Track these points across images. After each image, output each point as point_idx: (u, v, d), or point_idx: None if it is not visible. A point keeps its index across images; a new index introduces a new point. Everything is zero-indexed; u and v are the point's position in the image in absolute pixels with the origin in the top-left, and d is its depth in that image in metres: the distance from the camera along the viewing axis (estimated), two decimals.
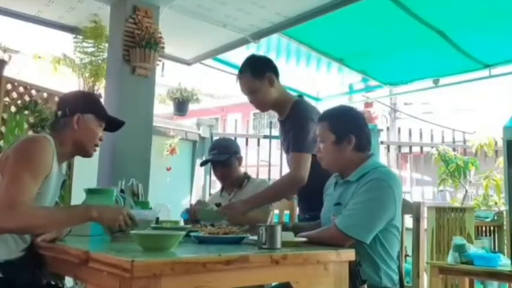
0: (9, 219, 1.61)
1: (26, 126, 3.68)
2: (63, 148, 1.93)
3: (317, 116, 2.30)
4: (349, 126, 2.08)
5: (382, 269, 1.97)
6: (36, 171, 1.76)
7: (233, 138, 4.95)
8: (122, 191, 2.36)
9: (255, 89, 2.47)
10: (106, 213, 1.76)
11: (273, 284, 2.17)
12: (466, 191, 5.07)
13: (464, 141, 6.00)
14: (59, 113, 1.99)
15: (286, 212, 3.09)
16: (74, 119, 1.97)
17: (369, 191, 1.94)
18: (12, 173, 1.71)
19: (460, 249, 3.08)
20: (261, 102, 2.51)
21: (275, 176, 5.88)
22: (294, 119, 2.45)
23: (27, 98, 3.77)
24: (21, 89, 3.77)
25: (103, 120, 2.08)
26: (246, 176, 2.95)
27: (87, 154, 2.06)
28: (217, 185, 3.27)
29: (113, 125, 2.16)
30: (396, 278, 2.03)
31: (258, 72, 2.46)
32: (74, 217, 1.76)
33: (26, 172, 1.72)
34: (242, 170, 3.03)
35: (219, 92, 16.42)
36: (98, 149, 2.10)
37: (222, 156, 2.84)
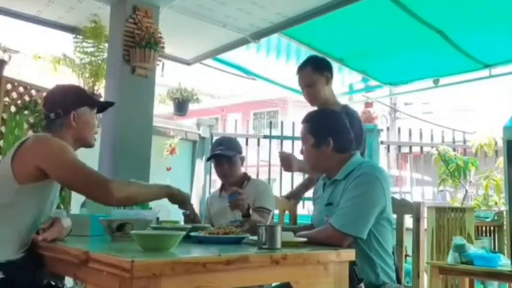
0: (115, 192, 1.77)
1: (25, 126, 3.69)
2: None
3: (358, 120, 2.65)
4: (327, 128, 2.13)
5: (378, 265, 1.99)
6: (76, 155, 1.87)
7: None
8: None
9: (312, 82, 2.74)
10: (181, 193, 2.08)
11: (273, 284, 2.17)
12: (466, 191, 5.07)
13: (464, 141, 6.00)
14: (52, 115, 1.99)
15: (287, 212, 3.10)
16: (71, 117, 1.98)
17: (358, 186, 1.97)
18: (73, 165, 1.80)
19: (460, 249, 3.08)
20: (314, 96, 2.76)
21: (275, 176, 5.88)
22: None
23: (27, 98, 3.77)
24: (21, 89, 3.78)
25: (95, 107, 2.12)
26: (246, 177, 2.92)
27: (89, 145, 2.10)
28: (217, 185, 3.25)
29: (103, 106, 2.25)
30: (393, 274, 2.04)
31: (318, 69, 2.74)
32: (159, 191, 2.01)
33: (76, 158, 1.82)
34: (242, 170, 3.01)
35: (219, 92, 16.44)
36: (97, 137, 2.17)
37: (230, 152, 2.80)
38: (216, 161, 2.86)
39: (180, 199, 2.07)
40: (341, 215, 1.93)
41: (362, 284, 1.85)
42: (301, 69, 2.79)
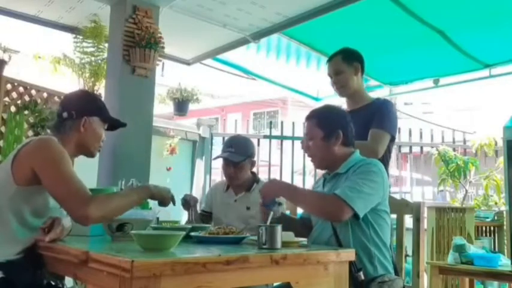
0: (91, 214, 1.67)
1: (25, 126, 3.69)
2: (66, 150, 1.93)
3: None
4: (336, 122, 2.16)
5: (376, 256, 2.00)
6: (71, 166, 1.82)
7: None
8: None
9: (340, 70, 2.75)
10: (160, 191, 1.95)
11: (274, 284, 2.17)
12: (466, 191, 5.07)
13: (464, 141, 5.99)
14: (65, 114, 1.98)
15: (287, 211, 3.09)
16: (81, 122, 1.98)
17: (364, 172, 2.01)
18: (60, 175, 1.75)
19: (460, 249, 3.08)
20: (341, 84, 2.76)
21: (275, 176, 5.88)
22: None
23: (27, 98, 3.77)
24: (21, 89, 3.78)
25: (106, 122, 2.11)
26: (255, 179, 2.80)
27: (91, 155, 2.09)
28: None
29: (113, 125, 2.19)
30: (391, 267, 2.04)
31: (347, 58, 2.76)
32: (139, 197, 1.90)
33: (67, 169, 1.77)
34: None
35: (219, 92, 16.44)
36: (100, 149, 2.13)
37: (238, 157, 2.69)
38: (224, 161, 2.78)
39: (159, 198, 1.98)
40: (347, 188, 1.95)
41: (361, 273, 1.86)
42: (331, 57, 2.83)
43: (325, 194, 2.06)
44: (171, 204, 2.03)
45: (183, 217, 2.90)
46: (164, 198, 1.97)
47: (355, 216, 1.92)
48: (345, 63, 2.75)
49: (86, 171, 3.55)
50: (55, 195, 1.76)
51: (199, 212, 2.82)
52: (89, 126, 2.00)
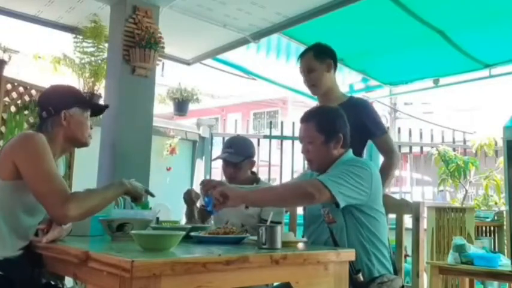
0: (70, 212, 1.69)
1: (25, 126, 3.68)
2: (54, 146, 1.94)
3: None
4: (337, 125, 2.13)
5: (373, 254, 2.00)
6: (52, 163, 1.82)
7: None
8: None
9: (313, 68, 2.69)
10: (135, 188, 2.00)
11: (274, 284, 2.17)
12: (466, 191, 5.07)
13: (464, 141, 6.00)
14: (44, 113, 2.00)
15: (287, 213, 3.08)
16: (61, 116, 1.98)
17: (348, 165, 2.02)
18: (41, 172, 1.76)
19: (460, 249, 3.08)
20: (315, 82, 2.70)
21: (275, 175, 5.89)
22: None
23: (27, 98, 3.77)
24: (21, 89, 3.77)
25: (87, 109, 2.10)
26: (255, 179, 2.79)
27: (84, 145, 2.09)
28: None
29: (96, 109, 2.21)
30: (389, 265, 2.04)
31: (319, 55, 2.69)
32: (115, 193, 1.95)
33: (48, 166, 1.78)
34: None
35: (219, 92, 16.45)
36: (96, 137, 2.14)
37: (236, 158, 2.68)
38: (223, 162, 2.78)
39: (133, 194, 2.01)
40: (328, 174, 1.98)
41: (360, 275, 1.86)
42: (303, 54, 2.76)
43: (299, 180, 2.07)
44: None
45: (183, 211, 2.88)
46: (138, 195, 2.02)
47: (336, 204, 1.90)
48: (317, 60, 2.68)
49: (86, 171, 3.57)
50: (34, 191, 1.76)
51: (199, 206, 2.83)
52: (70, 118, 2.00)
